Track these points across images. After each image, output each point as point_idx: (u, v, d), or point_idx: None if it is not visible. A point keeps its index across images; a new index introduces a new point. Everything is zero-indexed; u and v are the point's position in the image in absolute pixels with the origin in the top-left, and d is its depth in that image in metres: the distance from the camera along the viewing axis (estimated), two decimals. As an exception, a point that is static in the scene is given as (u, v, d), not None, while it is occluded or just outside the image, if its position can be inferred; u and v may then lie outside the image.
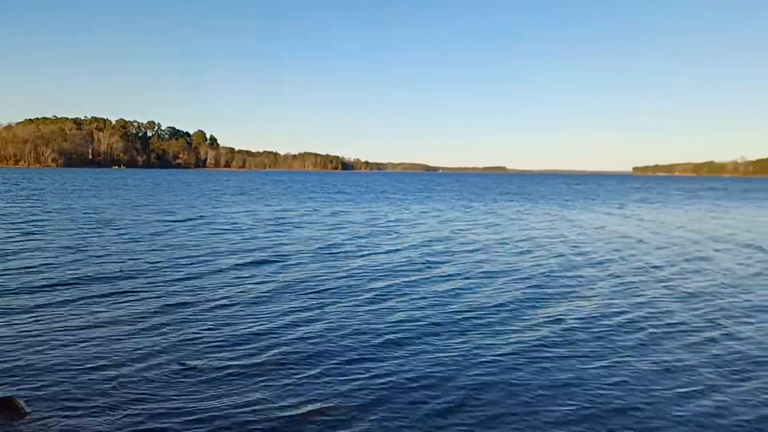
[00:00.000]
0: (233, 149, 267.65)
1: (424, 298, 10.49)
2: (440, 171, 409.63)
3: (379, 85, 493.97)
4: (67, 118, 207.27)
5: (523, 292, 11.09)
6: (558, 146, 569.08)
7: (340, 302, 10.01)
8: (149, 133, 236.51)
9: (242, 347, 7.42)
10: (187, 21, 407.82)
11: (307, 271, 13.03)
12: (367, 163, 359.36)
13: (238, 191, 54.57)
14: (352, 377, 6.46)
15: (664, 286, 11.91)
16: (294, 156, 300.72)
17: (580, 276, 13.00)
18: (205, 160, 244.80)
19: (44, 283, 11.01)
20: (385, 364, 6.89)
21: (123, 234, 19.06)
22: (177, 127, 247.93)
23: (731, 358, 7.37)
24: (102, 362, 6.75)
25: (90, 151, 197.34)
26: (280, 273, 12.69)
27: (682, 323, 8.97)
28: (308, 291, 10.87)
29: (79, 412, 5.44)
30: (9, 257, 13.96)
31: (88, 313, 8.93)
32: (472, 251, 16.70)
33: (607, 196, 59.19)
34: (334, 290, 11.00)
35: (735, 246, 18.85)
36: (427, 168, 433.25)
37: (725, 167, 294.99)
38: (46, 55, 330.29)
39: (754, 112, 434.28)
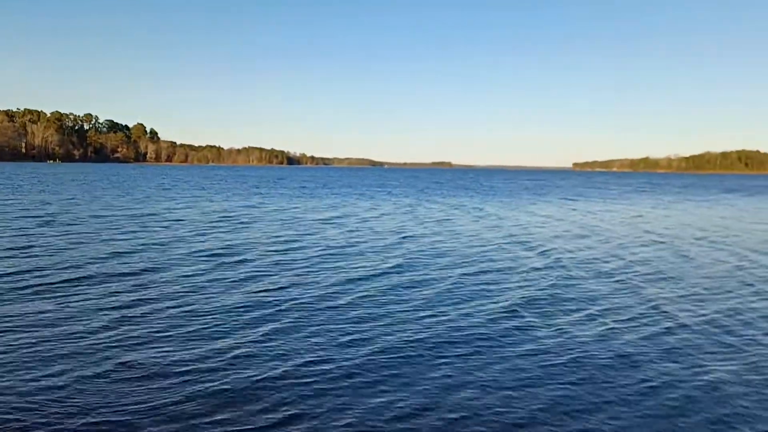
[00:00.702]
0: (175, 143, 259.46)
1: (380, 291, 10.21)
2: (386, 166, 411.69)
3: (325, 81, 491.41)
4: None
5: (490, 288, 10.99)
6: (501, 142, 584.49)
7: (299, 299, 9.58)
8: (86, 126, 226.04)
9: (194, 346, 6.91)
10: (127, 10, 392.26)
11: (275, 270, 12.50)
12: (312, 158, 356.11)
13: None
14: (312, 378, 6.10)
15: (624, 280, 12.13)
16: (238, 150, 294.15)
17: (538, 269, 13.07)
18: (146, 154, 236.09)
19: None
20: (346, 363, 6.57)
21: (66, 232, 17.83)
22: (116, 120, 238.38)
23: (685, 348, 7.47)
24: (42, 362, 6.10)
25: (23, 144, 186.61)
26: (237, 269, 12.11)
27: (637, 315, 9.10)
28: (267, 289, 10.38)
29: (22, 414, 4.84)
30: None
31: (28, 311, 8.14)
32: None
33: (576, 192, 60.74)
34: (292, 285, 10.56)
35: (685, 240, 19.57)
36: (373, 163, 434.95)
37: (659, 163, 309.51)
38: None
39: (685, 111, 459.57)
